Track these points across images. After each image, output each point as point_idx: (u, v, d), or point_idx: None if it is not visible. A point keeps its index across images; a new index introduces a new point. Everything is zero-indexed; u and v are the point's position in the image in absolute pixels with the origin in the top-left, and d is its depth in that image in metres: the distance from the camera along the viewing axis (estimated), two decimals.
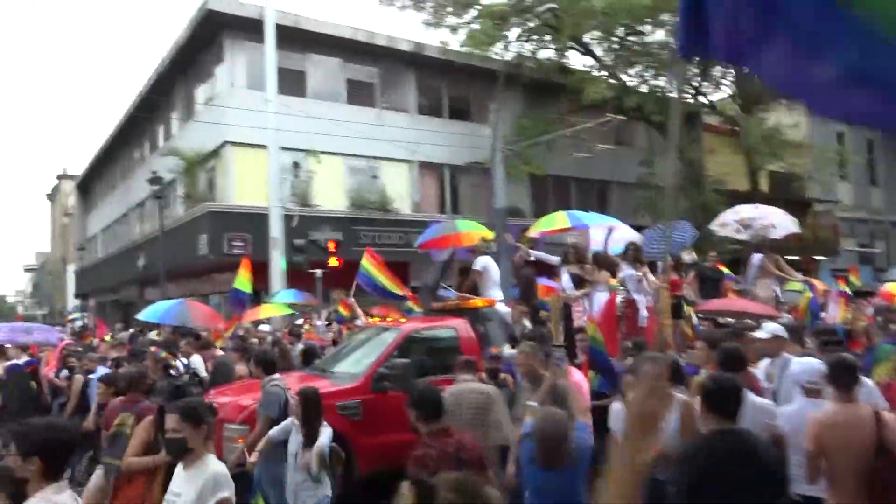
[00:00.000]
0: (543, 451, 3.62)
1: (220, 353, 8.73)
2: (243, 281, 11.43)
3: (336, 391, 6.76)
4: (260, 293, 18.30)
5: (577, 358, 7.57)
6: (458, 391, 5.26)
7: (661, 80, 23.20)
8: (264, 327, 12.11)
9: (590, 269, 8.26)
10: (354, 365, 7.23)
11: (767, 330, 5.60)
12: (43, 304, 61.99)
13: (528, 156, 20.28)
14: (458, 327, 7.70)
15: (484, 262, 8.99)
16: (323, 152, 18.56)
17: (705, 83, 23.95)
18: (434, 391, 4.11)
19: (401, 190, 20.43)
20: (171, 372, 7.35)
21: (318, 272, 16.55)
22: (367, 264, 10.99)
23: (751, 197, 22.39)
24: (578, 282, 8.14)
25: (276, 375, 5.99)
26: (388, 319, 9.27)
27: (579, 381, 5.65)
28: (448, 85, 21.81)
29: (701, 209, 21.74)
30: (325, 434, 5.06)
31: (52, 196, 57.82)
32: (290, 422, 5.28)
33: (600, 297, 8.46)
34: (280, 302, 13.39)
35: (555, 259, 8.69)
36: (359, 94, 20.14)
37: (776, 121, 24.29)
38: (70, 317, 28.82)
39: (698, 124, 25.42)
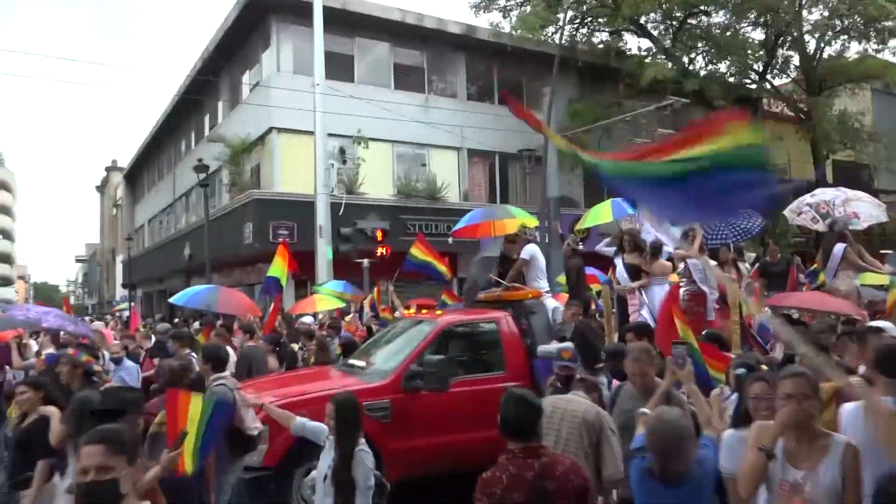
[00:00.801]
0: (661, 461, 2.93)
1: (250, 342, 8.14)
2: (277, 268, 10.83)
3: (363, 389, 6.11)
4: (307, 283, 18.04)
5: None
6: (559, 405, 4.13)
7: (721, 64, 21.88)
8: (307, 319, 11.62)
9: (648, 257, 7.40)
10: (385, 361, 6.55)
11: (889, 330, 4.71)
12: (93, 294, 63.58)
13: (583, 143, 19.30)
14: (500, 321, 6.96)
15: (531, 250, 8.24)
16: (370, 139, 17.99)
17: (770, 68, 22.47)
18: (529, 402, 3.13)
19: (449, 178, 19.73)
20: (93, 378, 6.14)
21: (366, 262, 16.00)
22: (416, 251, 10.42)
23: (814, 187, 20.98)
24: (634, 272, 7.29)
25: (226, 374, 5.31)
26: (424, 312, 8.61)
27: None
28: (498, 69, 20.96)
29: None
30: (367, 459, 4.12)
31: (102, 188, 58.92)
32: (321, 431, 4.47)
33: (659, 291, 7.60)
34: (330, 291, 12.90)
35: (610, 250, 7.89)
36: (407, 79, 19.50)
37: (842, 107, 22.67)
38: (117, 307, 29.12)
39: (760, 109, 23.93)
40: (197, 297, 9.81)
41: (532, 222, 9.03)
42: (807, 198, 9.29)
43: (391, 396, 6.18)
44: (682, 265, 7.80)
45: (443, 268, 10.49)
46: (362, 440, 4.24)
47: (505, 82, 21.21)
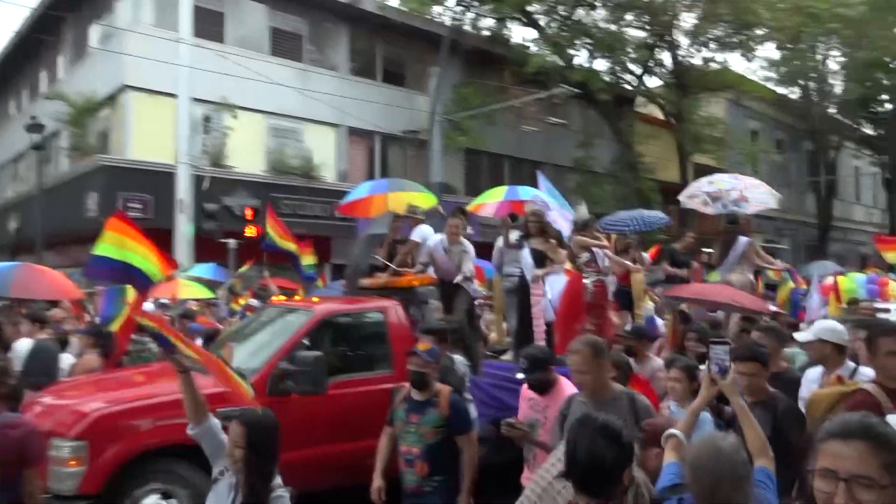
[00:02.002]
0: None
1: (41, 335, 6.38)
2: (107, 245, 7.70)
3: (217, 393, 4.87)
4: None
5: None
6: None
7: (602, 61, 22.01)
8: (148, 305, 9.83)
9: (554, 244, 6.63)
10: (247, 358, 5.27)
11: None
12: None
13: (466, 128, 18.61)
14: (388, 310, 5.93)
15: (423, 232, 7.27)
16: (240, 107, 16.19)
17: (648, 70, 22.91)
18: (613, 435, 2.17)
19: (327, 156, 18.29)
20: None
21: (232, 242, 14.34)
22: (273, 232, 9.06)
23: (681, 189, 21.72)
24: (540, 259, 6.50)
25: None
26: (297, 298, 7.39)
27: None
28: (383, 46, 19.71)
29: (636, 195, 20.72)
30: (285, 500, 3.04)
31: None
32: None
33: (557, 281, 6.86)
34: (193, 278, 11.18)
35: (513, 235, 7.04)
36: (284, 46, 17.78)
37: (705, 113, 23.66)
38: None
39: (634, 110, 24.44)
40: None
41: (430, 200, 7.96)
42: (703, 183, 8.98)
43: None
44: (585, 254, 7.11)
45: (306, 257, 9.18)
46: (278, 478, 3.05)
47: (390, 59, 20.02)
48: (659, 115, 24.66)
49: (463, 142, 18.58)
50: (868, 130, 34.82)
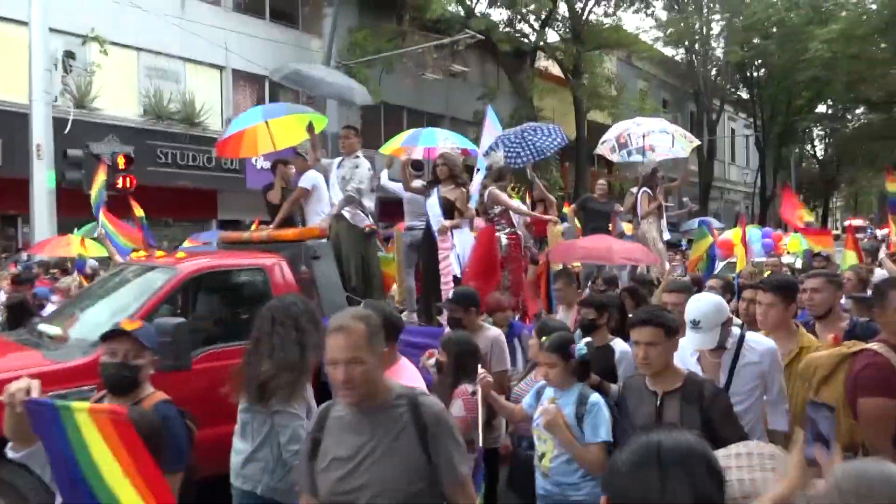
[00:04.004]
0: None
1: None
2: None
3: (51, 372, 3.82)
4: (16, 220, 14.02)
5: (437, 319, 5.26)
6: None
7: (500, 10, 21.30)
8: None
9: (465, 193, 5.87)
10: (93, 328, 4.21)
11: None
12: None
13: (363, 76, 17.35)
14: (271, 269, 4.99)
15: (312, 178, 6.30)
16: (110, 42, 14.20)
17: (546, 23, 22.42)
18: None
19: (211, 101, 16.54)
20: None
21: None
22: (107, 223, 7.68)
23: (577, 146, 21.78)
24: (449, 208, 5.73)
25: None
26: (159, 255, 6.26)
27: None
28: None
29: None
30: None
31: None
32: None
33: (464, 236, 6.14)
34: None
35: (417, 184, 6.20)
36: None
37: (600, 71, 23.66)
38: None
39: (533, 64, 23.99)
40: None
41: (320, 122, 6.80)
42: (614, 128, 8.51)
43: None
44: (497, 207, 6.38)
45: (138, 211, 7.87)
46: None
47: None
48: (557, 71, 24.37)
49: None
50: (743, 94, 36.41)
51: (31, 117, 12.26)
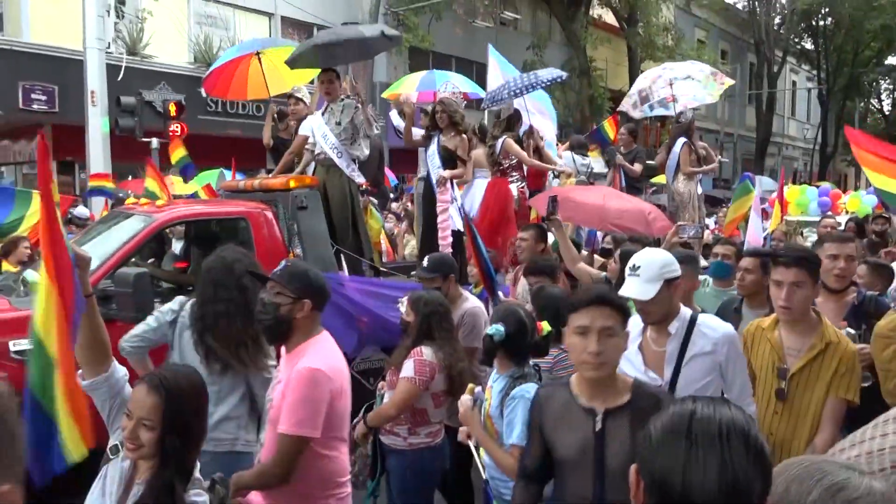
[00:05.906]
0: None
1: None
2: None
3: (9, 319, 3.67)
4: (74, 165, 14.17)
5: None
6: None
7: None
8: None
9: (465, 140, 5.49)
10: None
11: None
12: None
13: (412, 24, 16.84)
14: (254, 217, 4.62)
15: (309, 124, 5.80)
16: None
17: None
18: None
19: None
20: None
21: (155, 142, 12.65)
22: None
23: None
24: (448, 158, 5.37)
25: None
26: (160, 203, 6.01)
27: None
28: None
29: (588, 102, 19.64)
30: None
31: None
32: None
33: (480, 185, 5.74)
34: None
35: (417, 136, 5.77)
36: None
37: (656, 20, 22.41)
38: None
39: (588, 12, 22.90)
40: None
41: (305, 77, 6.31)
42: (639, 80, 7.89)
43: None
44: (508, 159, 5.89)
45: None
46: (197, 470, 1.99)
47: None
48: (611, 19, 23.23)
49: (409, 39, 16.86)
50: (808, 45, 34.27)
51: (85, 64, 12.25)
